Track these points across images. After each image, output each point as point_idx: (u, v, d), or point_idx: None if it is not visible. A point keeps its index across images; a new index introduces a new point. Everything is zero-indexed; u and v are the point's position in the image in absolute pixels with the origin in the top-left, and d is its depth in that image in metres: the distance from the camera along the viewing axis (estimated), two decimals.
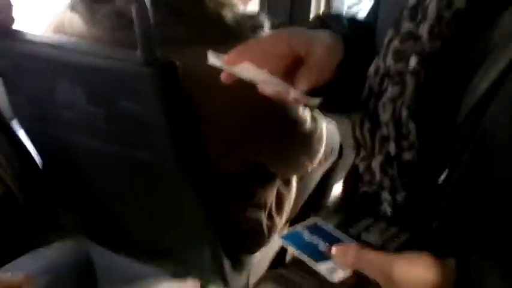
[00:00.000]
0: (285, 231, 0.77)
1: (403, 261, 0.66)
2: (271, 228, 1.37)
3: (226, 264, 1.26)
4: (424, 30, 0.72)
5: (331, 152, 1.59)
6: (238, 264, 1.31)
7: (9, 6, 1.09)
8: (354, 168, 0.90)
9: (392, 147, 0.75)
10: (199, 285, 1.49)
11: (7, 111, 1.23)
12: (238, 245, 1.30)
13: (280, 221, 1.40)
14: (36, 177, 1.26)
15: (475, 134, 0.68)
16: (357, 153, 0.84)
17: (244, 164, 1.25)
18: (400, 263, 0.65)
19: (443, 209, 0.73)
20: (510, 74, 0.65)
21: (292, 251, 0.70)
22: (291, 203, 1.44)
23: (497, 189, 0.67)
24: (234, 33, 1.12)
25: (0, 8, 1.07)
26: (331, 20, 0.90)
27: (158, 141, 1.06)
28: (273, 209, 1.38)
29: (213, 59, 0.80)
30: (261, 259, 1.44)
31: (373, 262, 0.67)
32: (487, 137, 0.67)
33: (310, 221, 0.77)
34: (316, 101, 0.76)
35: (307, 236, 0.73)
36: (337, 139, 1.62)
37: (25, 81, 1.12)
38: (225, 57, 0.79)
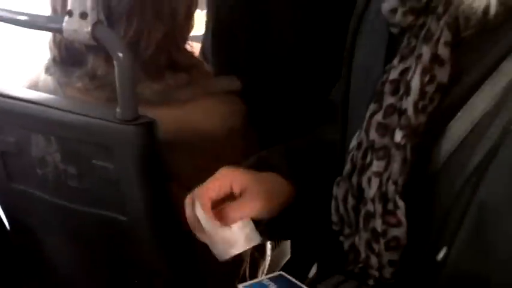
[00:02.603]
0: (247, 282, 0.76)
1: None
2: None
3: None
4: (408, 104, 0.71)
5: None
6: None
7: None
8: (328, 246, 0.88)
9: (378, 224, 0.73)
10: None
11: None
12: None
13: None
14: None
15: (471, 208, 0.67)
16: (341, 231, 0.81)
17: None
18: None
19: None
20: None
21: None
22: (265, 271, 1.41)
23: (501, 267, 0.65)
24: (204, 94, 1.13)
25: None
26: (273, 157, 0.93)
27: (130, 201, 1.03)
28: (247, 277, 1.34)
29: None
30: None
31: None
32: (484, 210, 0.65)
33: (276, 273, 0.75)
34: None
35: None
36: None
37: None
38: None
